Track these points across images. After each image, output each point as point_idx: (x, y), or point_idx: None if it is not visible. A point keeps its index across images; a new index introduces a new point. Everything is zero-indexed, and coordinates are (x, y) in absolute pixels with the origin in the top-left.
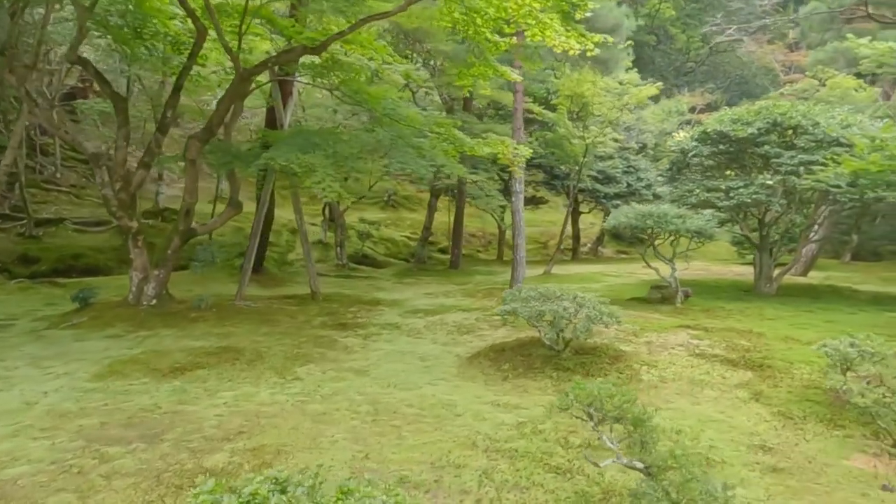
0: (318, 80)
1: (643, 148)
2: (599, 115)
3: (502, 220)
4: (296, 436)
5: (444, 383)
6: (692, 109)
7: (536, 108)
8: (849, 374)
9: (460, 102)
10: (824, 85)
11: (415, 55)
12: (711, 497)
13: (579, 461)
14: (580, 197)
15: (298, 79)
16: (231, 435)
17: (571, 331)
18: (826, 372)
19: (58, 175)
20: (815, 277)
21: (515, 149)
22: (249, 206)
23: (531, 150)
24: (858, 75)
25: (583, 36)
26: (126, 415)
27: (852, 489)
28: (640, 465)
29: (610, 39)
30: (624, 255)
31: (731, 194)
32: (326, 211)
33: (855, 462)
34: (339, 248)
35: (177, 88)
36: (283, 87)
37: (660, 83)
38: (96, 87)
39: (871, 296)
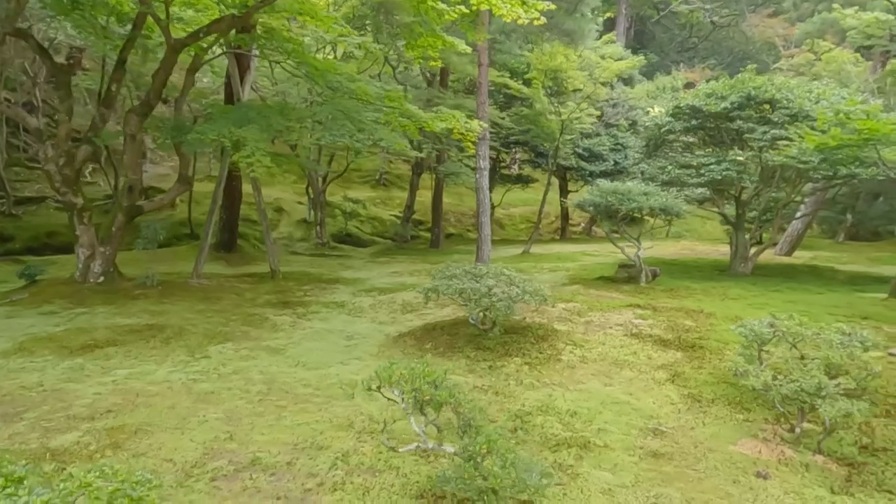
0: (265, 51)
1: (633, 125)
2: (577, 91)
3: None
4: (167, 415)
5: (357, 363)
6: (689, 85)
7: (513, 83)
8: (765, 354)
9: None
10: (820, 59)
11: (393, 28)
12: (523, 484)
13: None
14: (567, 175)
15: (249, 52)
16: (97, 414)
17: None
18: (741, 353)
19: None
20: (801, 257)
21: (466, 123)
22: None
23: (482, 126)
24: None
25: (524, 3)
26: (1, 392)
27: (726, 476)
28: (450, 449)
29: (552, 6)
30: (616, 235)
31: (702, 171)
32: (309, 189)
33: (740, 448)
34: (318, 227)
35: (121, 61)
36: (240, 61)
37: (642, 56)
38: (85, 63)
39: (849, 276)
